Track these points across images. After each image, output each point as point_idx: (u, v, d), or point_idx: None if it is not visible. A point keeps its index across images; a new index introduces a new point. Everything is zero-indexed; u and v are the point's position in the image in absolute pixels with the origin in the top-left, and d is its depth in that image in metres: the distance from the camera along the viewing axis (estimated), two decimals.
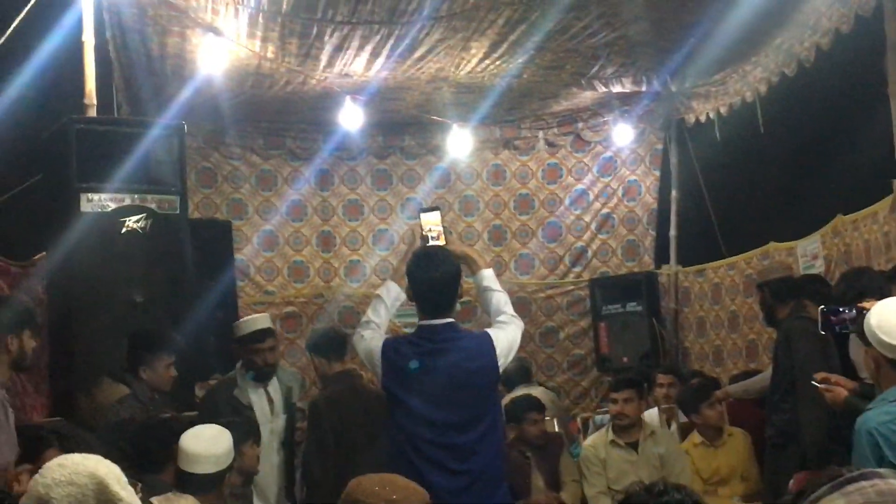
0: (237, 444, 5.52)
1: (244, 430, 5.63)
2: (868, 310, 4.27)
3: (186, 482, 4.49)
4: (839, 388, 4.60)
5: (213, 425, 4.74)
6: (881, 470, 1.72)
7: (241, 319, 6.45)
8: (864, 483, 1.70)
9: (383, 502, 2.53)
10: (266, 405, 5.96)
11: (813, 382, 4.78)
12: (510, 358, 4.61)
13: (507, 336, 4.56)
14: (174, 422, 4.95)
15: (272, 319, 9.90)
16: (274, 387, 6.15)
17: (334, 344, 6.37)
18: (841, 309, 4.51)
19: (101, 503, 2.03)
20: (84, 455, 2.22)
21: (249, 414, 5.87)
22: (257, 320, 6.34)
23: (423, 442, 4.35)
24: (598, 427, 7.98)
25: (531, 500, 6.77)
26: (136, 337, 5.49)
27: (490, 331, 4.58)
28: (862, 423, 3.98)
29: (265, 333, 6.19)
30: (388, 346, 4.50)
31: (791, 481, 5.84)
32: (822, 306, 4.64)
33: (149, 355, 5.42)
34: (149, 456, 4.57)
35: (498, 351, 4.47)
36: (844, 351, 5.61)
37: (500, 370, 4.54)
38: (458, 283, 4.56)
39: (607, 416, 8.36)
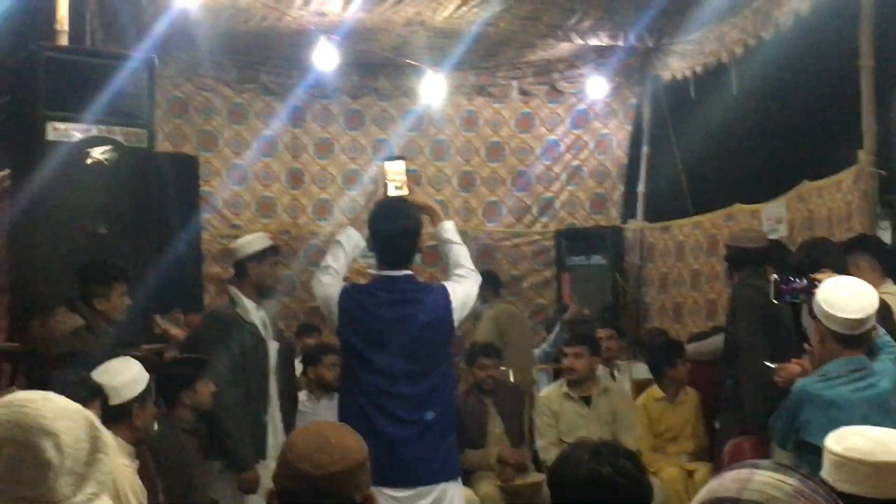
0: (191, 380, 5.57)
1: (197, 366, 5.66)
2: (820, 281, 4.36)
3: (105, 415, 4.41)
4: (792, 367, 4.69)
5: (122, 358, 4.63)
6: (761, 461, 1.78)
7: (241, 240, 6.28)
8: (731, 473, 1.77)
9: (316, 467, 2.54)
10: (262, 328, 5.88)
11: (766, 363, 4.89)
12: (465, 313, 4.65)
13: (463, 290, 4.60)
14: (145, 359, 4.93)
15: None
16: (262, 312, 6.05)
17: None
18: (793, 279, 4.57)
19: (92, 438, 2.01)
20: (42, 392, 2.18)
21: (254, 331, 5.79)
22: (261, 239, 6.17)
23: (375, 390, 4.40)
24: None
25: (490, 450, 6.85)
26: (87, 268, 5.45)
27: (447, 284, 4.61)
28: (795, 387, 4.13)
29: (273, 251, 6.12)
30: (345, 293, 4.53)
31: (727, 446, 6.00)
32: (775, 276, 4.71)
33: (101, 286, 5.39)
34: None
35: (454, 305, 4.52)
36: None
37: (456, 324, 4.58)
38: (419, 235, 4.58)
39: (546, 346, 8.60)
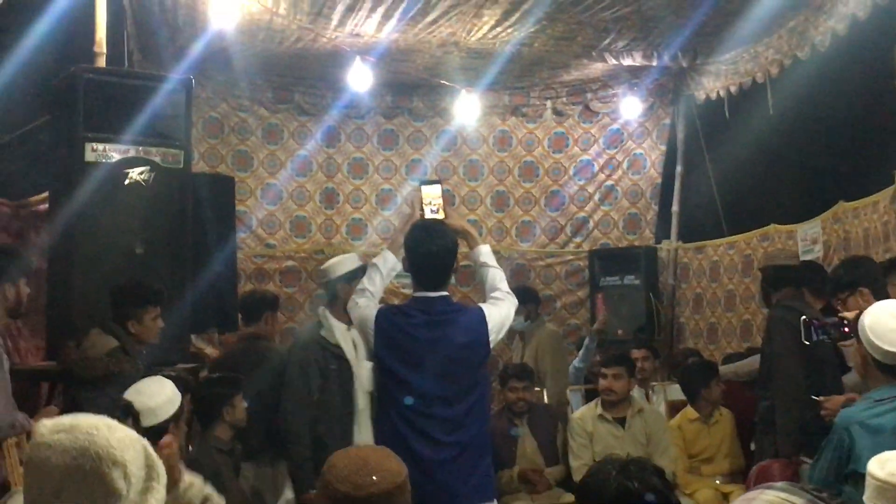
0: (227, 397, 5.58)
1: (232, 384, 5.68)
2: (849, 320, 4.35)
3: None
4: (837, 398, 4.67)
5: (156, 378, 4.61)
6: (777, 483, 1.78)
7: (331, 261, 6.06)
8: (746, 493, 1.77)
9: (356, 488, 2.54)
10: (352, 349, 5.80)
11: (813, 398, 4.88)
12: (501, 335, 4.65)
13: (500, 312, 4.60)
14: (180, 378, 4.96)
15: (272, 273, 10.07)
16: (354, 332, 5.91)
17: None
18: (819, 319, 4.61)
19: (147, 467, 2.03)
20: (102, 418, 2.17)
21: (339, 353, 5.71)
22: (351, 260, 6.03)
23: (412, 412, 4.39)
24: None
25: (513, 471, 6.83)
26: (121, 290, 5.47)
27: (484, 306, 4.61)
28: (841, 417, 4.07)
29: (363, 272, 5.97)
30: (381, 315, 4.54)
31: (754, 468, 5.96)
32: (804, 317, 4.71)
33: (134, 308, 5.42)
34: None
35: (490, 326, 4.52)
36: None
37: (491, 346, 4.57)
38: (455, 258, 4.59)
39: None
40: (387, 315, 4.54)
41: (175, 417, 4.51)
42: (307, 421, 5.56)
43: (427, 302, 4.52)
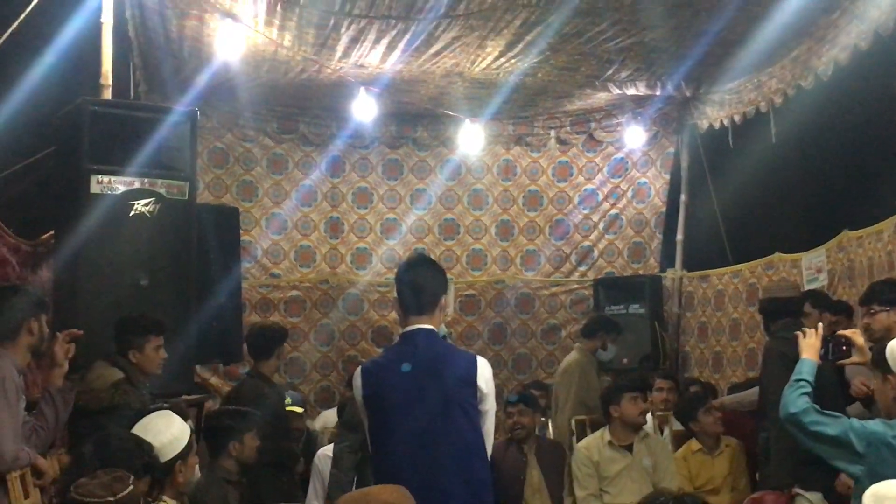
0: (239, 432, 5.57)
1: (245, 418, 5.66)
2: (847, 338, 4.35)
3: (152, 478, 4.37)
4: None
5: (164, 413, 4.62)
6: None
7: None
8: None
9: None
10: None
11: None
12: (487, 396, 4.42)
13: (489, 379, 4.46)
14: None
15: (277, 302, 10.07)
16: None
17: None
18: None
19: None
20: None
21: None
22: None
23: (404, 452, 4.33)
24: None
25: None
26: (122, 321, 5.51)
27: (479, 358, 4.55)
28: (875, 426, 4.05)
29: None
30: (365, 368, 4.49)
31: (746, 500, 5.93)
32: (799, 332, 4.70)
33: (137, 338, 5.43)
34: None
35: (479, 371, 4.38)
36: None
37: (478, 395, 4.37)
38: (442, 287, 4.55)
39: None
40: (369, 375, 4.44)
41: (182, 455, 4.49)
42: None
43: (411, 336, 4.45)
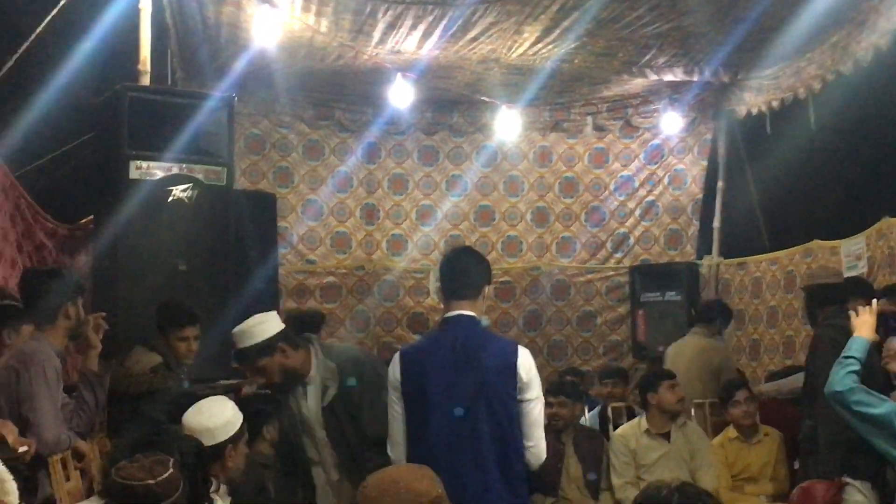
0: (271, 416, 5.59)
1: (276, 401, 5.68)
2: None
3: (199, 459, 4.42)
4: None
5: (218, 398, 4.66)
6: None
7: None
8: None
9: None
10: None
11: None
12: (529, 383, 4.37)
13: (530, 368, 4.40)
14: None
15: (313, 288, 10.10)
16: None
17: None
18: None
19: None
20: None
21: None
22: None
23: (441, 437, 4.32)
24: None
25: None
26: (163, 309, 5.55)
27: (520, 348, 4.52)
28: None
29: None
30: (405, 359, 4.44)
31: (796, 489, 5.87)
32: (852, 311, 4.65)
33: (172, 328, 5.47)
34: None
35: (520, 360, 4.35)
36: None
37: (517, 384, 4.32)
38: (486, 272, 4.54)
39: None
40: (409, 358, 4.42)
41: (233, 440, 4.52)
42: None
43: (453, 322, 4.43)
